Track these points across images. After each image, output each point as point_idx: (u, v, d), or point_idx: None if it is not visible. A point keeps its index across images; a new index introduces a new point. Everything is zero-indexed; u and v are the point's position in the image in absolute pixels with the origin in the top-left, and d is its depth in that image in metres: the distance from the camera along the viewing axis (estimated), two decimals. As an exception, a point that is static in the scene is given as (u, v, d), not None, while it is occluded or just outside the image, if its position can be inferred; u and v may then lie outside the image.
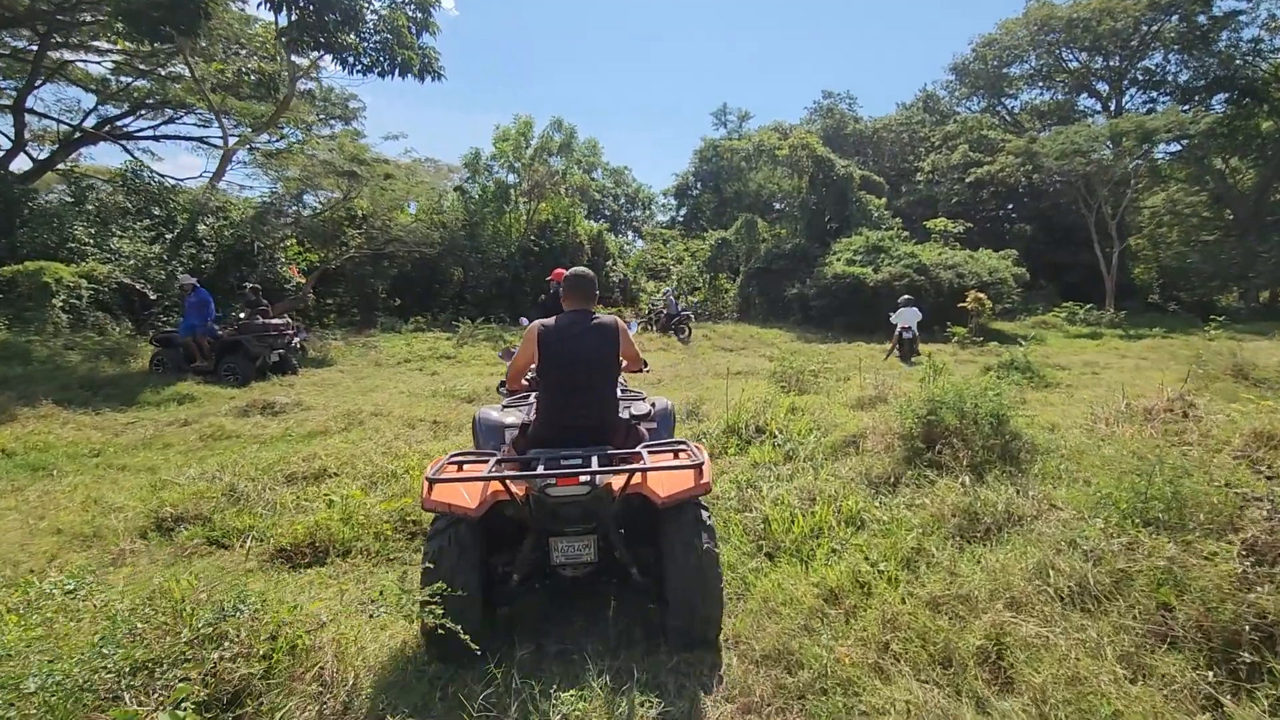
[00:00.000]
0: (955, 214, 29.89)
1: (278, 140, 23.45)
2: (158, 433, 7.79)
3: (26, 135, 22.79)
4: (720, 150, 37.34)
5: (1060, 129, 28.18)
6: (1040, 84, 39.08)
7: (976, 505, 3.54)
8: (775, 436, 5.38)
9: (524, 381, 3.88)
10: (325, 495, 4.61)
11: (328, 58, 18.36)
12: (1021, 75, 38.66)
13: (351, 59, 16.86)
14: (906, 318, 15.88)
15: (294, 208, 21.27)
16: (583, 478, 2.63)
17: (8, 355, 11.73)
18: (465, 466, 2.92)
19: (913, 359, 14.77)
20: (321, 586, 3.46)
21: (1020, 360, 9.87)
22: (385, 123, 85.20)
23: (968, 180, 31.62)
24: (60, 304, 14.55)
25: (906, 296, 16.54)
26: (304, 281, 21.06)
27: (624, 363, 3.34)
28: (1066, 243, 32.41)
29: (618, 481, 2.74)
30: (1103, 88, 36.84)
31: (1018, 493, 3.72)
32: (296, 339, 12.91)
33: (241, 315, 12.76)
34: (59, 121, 23.60)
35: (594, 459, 2.74)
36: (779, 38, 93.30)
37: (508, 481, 2.69)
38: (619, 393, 3.69)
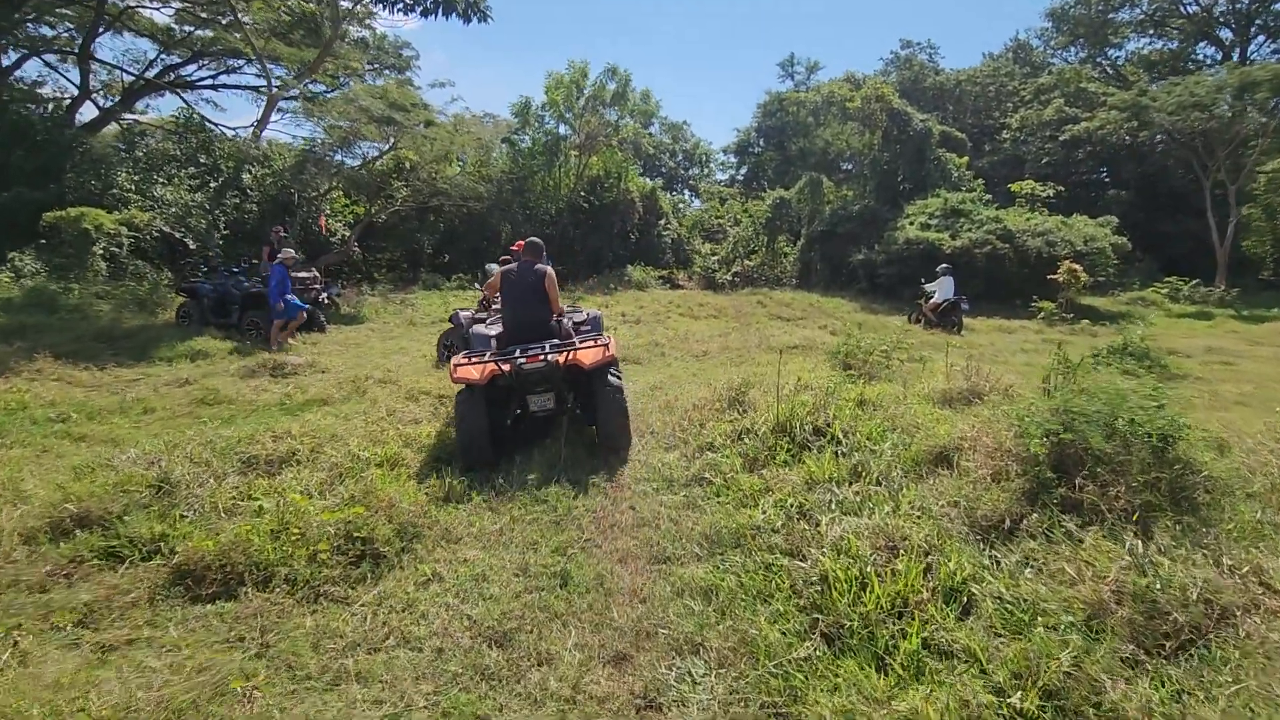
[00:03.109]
0: (1045, 176, 27.12)
1: (332, 91, 22.82)
2: (150, 394, 7.14)
3: (96, 85, 22.90)
4: (785, 104, 34.95)
5: (1175, 80, 24.90)
6: (1151, 31, 34.96)
7: (1156, 587, 2.31)
8: (839, 442, 4.19)
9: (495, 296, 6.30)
10: (261, 497, 3.70)
11: (370, -3, 17.50)
12: (1130, 21, 34.61)
13: (393, -3, 15.89)
14: (946, 288, 14.58)
15: (337, 157, 20.62)
16: (541, 358, 4.67)
17: (36, 303, 11.45)
18: (472, 358, 4.85)
19: (960, 331, 13.96)
20: (210, 635, 2.53)
21: (1135, 345, 8.25)
22: (441, 76, 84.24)
23: (1061, 138, 28.60)
24: (100, 251, 14.31)
25: (945, 265, 15.26)
26: (347, 235, 20.57)
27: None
28: (1169, 211, 29.07)
29: (562, 358, 4.68)
30: (1225, 35, 32.66)
31: (1212, 564, 2.46)
32: (324, 294, 12.25)
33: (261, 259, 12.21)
34: (124, 71, 23.55)
35: (547, 346, 4.89)
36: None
37: (500, 364, 4.64)
38: (569, 307, 6.32)
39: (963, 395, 5.21)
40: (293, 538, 3.28)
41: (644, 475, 4.56)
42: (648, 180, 28.08)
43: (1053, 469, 3.13)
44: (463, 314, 8.72)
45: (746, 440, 4.51)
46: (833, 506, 3.38)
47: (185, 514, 3.64)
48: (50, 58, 22.69)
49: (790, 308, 17.53)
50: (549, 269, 5.36)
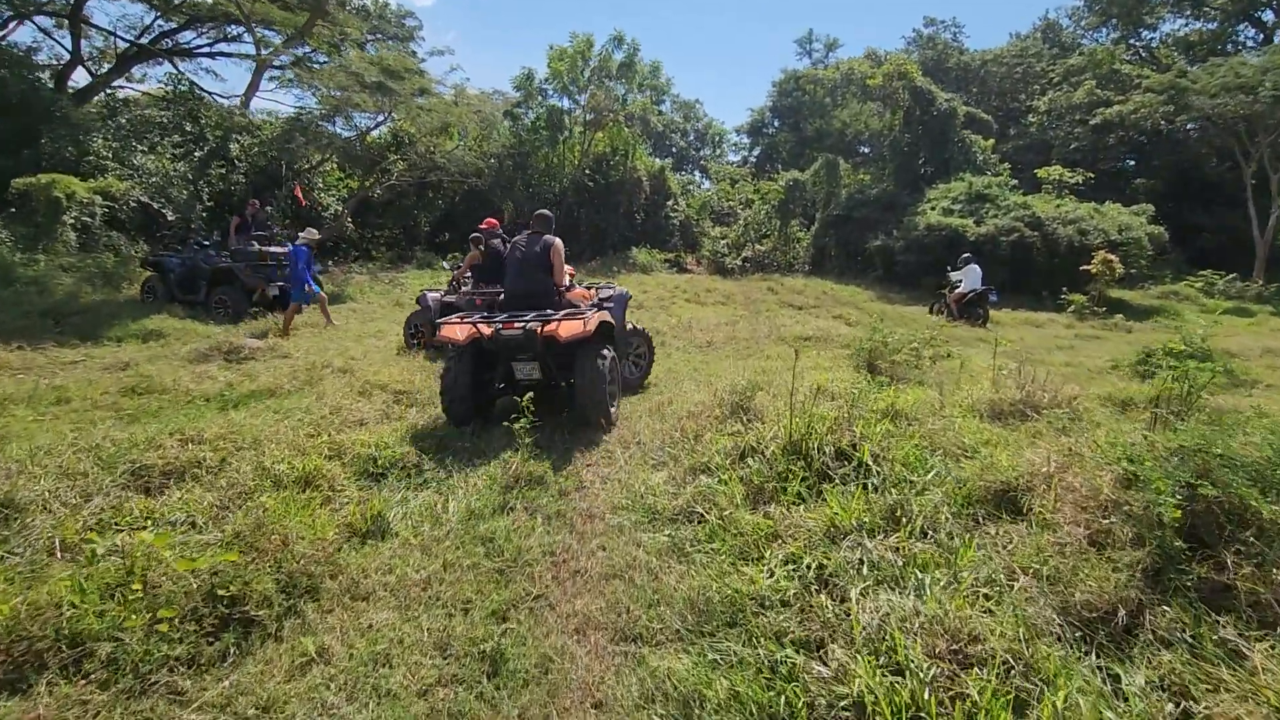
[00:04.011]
0: (1073, 162, 25.80)
1: (331, 60, 21.79)
2: (76, 379, 6.32)
3: (92, 51, 21.96)
4: (802, 82, 33.64)
5: (1217, 60, 23.48)
6: (1188, 12, 33.32)
7: None
8: (868, 470, 3.29)
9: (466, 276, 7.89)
10: (97, 537, 2.83)
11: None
12: (1166, 1, 32.99)
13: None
14: (973, 278, 13.74)
15: (334, 127, 19.66)
16: (519, 325, 4.83)
17: (-10, 274, 10.65)
18: (463, 319, 5.14)
19: (986, 324, 13.29)
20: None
21: (1196, 345, 7.26)
22: (446, 48, 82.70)
23: (1092, 123, 27.19)
24: (71, 221, 13.52)
25: (967, 255, 14.46)
26: (340, 210, 19.71)
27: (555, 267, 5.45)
28: (1202, 201, 27.71)
29: (541, 328, 4.75)
30: (1268, 17, 31.04)
31: None
32: (300, 271, 11.33)
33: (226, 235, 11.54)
34: (118, 37, 22.57)
35: (529, 316, 4.99)
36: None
37: (480, 327, 4.89)
38: (602, 283, 6.79)
39: (1015, 408, 4.27)
40: (131, 597, 2.42)
41: (622, 501, 3.69)
42: (656, 159, 26.95)
43: (1181, 534, 2.22)
44: (430, 295, 7.98)
45: (751, 462, 3.60)
46: (865, 571, 2.48)
47: (12, 553, 2.79)
48: (47, 23, 21.68)
49: (803, 295, 16.55)
50: (556, 241, 5.44)
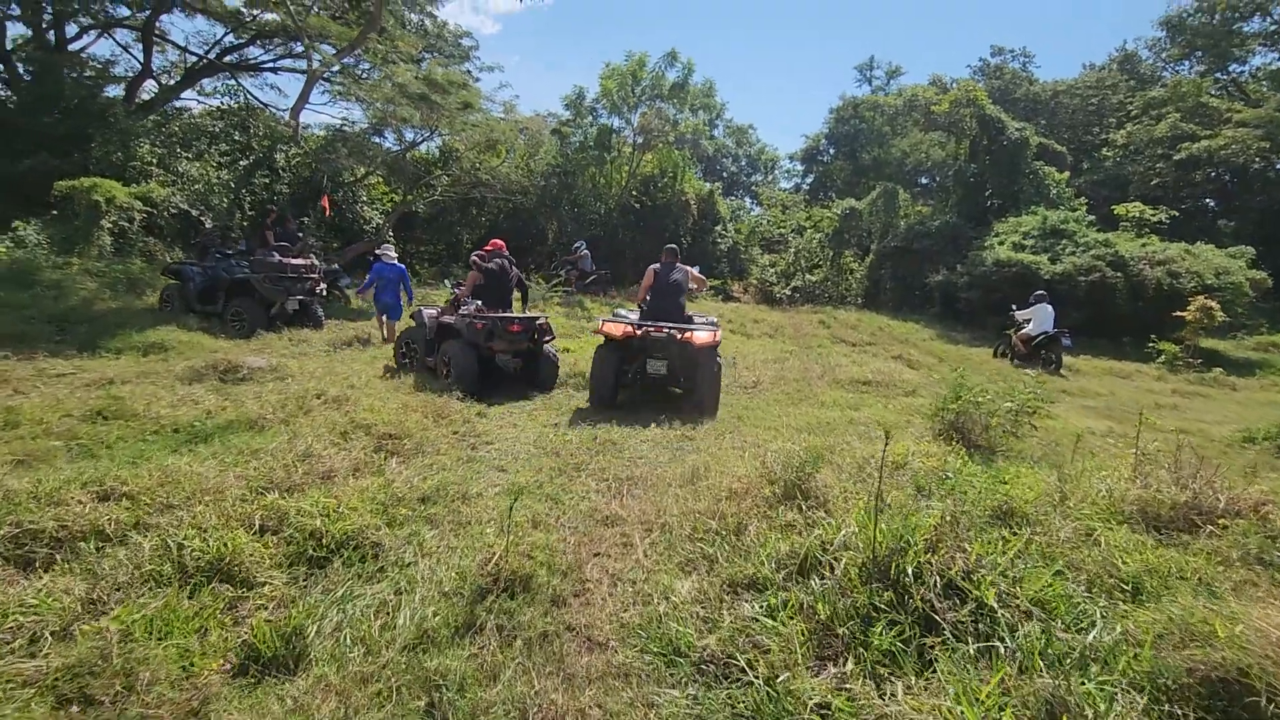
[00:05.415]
0: (1153, 199, 23.96)
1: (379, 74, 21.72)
2: (44, 398, 5.68)
3: (165, 65, 22.43)
4: (861, 109, 32.51)
5: (1322, 95, 21.57)
6: (1282, 45, 31.17)
7: None
8: (993, 618, 2.23)
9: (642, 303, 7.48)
10: None
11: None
12: (1259, 33, 30.93)
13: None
14: (1044, 319, 12.55)
15: (386, 142, 19.44)
16: (664, 329, 6.38)
17: (13, 275, 10.34)
18: (619, 321, 6.71)
19: (1060, 371, 12.07)
20: None
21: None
22: (505, 78, 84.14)
23: (1176, 158, 25.33)
24: (109, 226, 13.37)
25: (1040, 292, 13.26)
26: (382, 223, 19.42)
27: (693, 286, 7.29)
28: (1291, 246, 25.34)
29: (680, 335, 6.34)
30: (1373, 50, 28.75)
31: None
32: (321, 285, 10.75)
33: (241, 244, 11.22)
34: (188, 52, 22.96)
35: (669, 325, 6.51)
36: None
37: (635, 328, 6.41)
38: (698, 314, 7.76)
39: (1178, 512, 3.14)
40: None
41: (634, 617, 2.69)
42: (705, 183, 26.13)
43: None
44: (427, 312, 7.40)
45: (815, 581, 2.58)
46: None
47: None
48: (127, 38, 22.11)
49: (856, 330, 15.36)
50: (689, 269, 7.27)
